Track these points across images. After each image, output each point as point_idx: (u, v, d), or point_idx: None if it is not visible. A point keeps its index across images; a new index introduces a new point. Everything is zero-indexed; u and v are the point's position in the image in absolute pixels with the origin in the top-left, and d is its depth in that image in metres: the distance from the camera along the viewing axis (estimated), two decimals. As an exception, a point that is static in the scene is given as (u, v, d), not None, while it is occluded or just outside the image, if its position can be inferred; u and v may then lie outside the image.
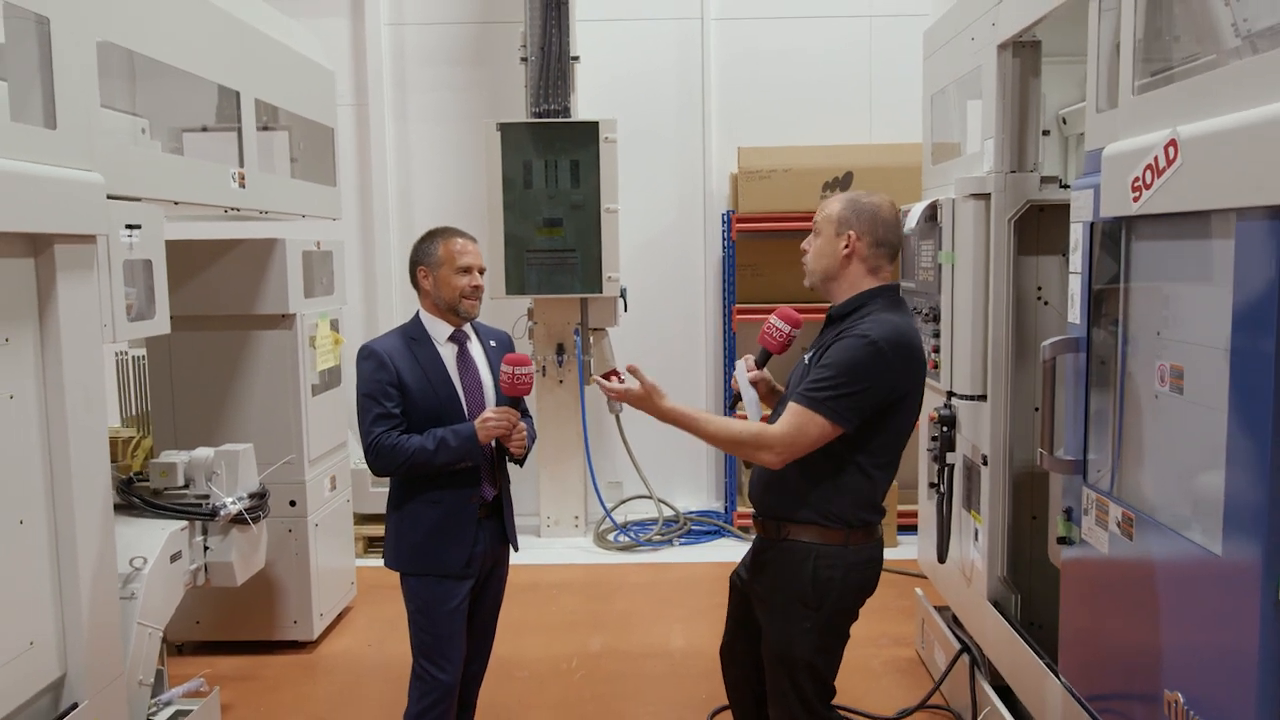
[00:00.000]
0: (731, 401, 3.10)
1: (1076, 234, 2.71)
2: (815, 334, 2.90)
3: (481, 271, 3.16)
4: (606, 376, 2.88)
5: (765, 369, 3.05)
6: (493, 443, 3.14)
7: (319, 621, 4.84)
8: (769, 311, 3.06)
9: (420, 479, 3.05)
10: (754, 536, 2.99)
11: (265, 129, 4.37)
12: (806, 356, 2.85)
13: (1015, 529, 3.59)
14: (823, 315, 2.88)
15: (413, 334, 3.13)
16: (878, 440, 2.72)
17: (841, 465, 2.72)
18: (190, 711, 3.60)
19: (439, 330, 3.14)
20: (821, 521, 2.74)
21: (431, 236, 3.17)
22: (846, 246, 2.76)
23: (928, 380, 4.12)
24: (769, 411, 3.01)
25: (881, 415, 2.68)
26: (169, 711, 3.59)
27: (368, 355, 3.06)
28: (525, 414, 3.16)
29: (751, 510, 2.99)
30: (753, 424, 2.72)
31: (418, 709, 3.07)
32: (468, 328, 3.21)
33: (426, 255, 3.13)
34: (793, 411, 2.66)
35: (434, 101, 7.15)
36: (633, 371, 2.76)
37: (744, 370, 3.02)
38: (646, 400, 2.73)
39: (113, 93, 3.51)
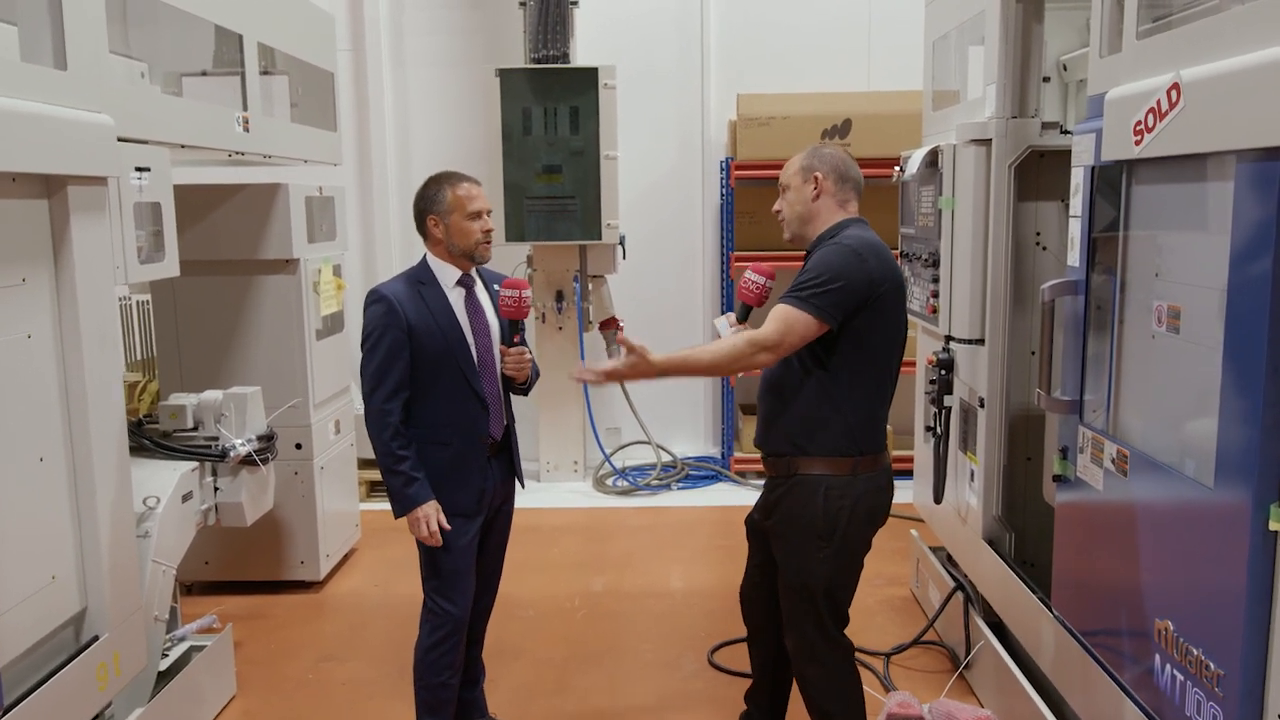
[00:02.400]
0: None
1: (1077, 178, 2.75)
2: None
3: (490, 214, 3.19)
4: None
5: (747, 322, 3.14)
6: (499, 382, 3.20)
7: (325, 562, 4.93)
8: (767, 259, 3.12)
9: (429, 423, 3.10)
10: (765, 478, 3.08)
11: (265, 73, 4.36)
12: None
13: (1010, 470, 3.67)
14: (799, 265, 2.97)
15: (421, 278, 3.14)
16: (862, 356, 2.83)
17: (835, 392, 2.83)
18: (204, 647, 3.70)
19: (447, 275, 3.16)
20: (828, 453, 2.85)
21: (437, 183, 3.14)
22: (815, 187, 2.95)
23: (925, 325, 4.20)
24: None
25: (859, 316, 2.77)
26: (183, 646, 3.68)
27: (377, 299, 3.07)
28: (523, 340, 3.22)
29: (758, 453, 3.08)
30: (740, 335, 2.84)
31: (429, 641, 3.14)
32: (474, 272, 3.24)
33: (435, 203, 3.12)
34: (779, 310, 2.79)
35: (431, 46, 7.09)
36: (622, 343, 2.80)
37: (727, 325, 3.13)
38: (642, 363, 2.78)
39: (111, 36, 3.50)
